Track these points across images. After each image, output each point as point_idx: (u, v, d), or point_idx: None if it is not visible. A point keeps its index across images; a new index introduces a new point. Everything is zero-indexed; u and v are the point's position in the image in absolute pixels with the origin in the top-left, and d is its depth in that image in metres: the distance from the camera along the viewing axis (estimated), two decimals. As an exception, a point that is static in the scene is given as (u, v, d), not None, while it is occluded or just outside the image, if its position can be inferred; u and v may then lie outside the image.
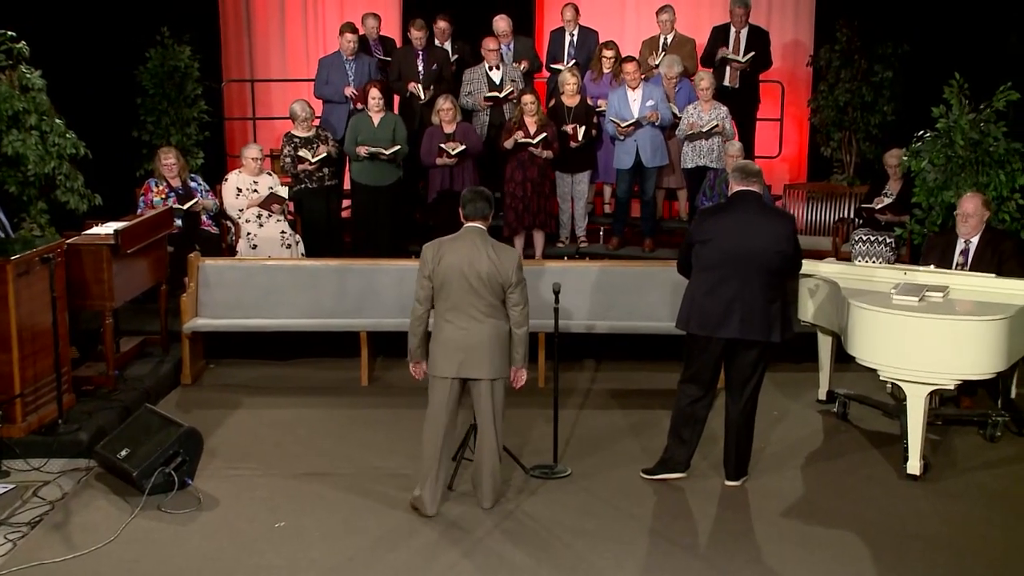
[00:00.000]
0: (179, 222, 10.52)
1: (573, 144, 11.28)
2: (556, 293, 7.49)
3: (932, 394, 8.10)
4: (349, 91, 11.85)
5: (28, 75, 9.43)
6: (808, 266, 8.38)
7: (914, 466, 7.31)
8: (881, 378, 7.42)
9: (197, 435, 7.37)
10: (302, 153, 11.12)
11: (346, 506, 6.98)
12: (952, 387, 7.38)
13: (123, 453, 7.16)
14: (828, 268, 8.37)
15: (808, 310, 8.47)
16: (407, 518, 6.78)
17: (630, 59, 11.38)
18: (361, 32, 12.34)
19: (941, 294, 7.51)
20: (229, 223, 11.09)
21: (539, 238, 11.52)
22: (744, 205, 7.06)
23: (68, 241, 8.32)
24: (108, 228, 8.62)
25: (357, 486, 7.28)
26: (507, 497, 7.08)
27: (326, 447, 7.99)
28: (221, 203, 11.05)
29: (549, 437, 7.70)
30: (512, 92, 11.62)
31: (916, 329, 7.10)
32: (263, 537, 6.56)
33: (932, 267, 8.17)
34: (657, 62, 11.98)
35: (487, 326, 6.62)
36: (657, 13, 12.22)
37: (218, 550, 6.39)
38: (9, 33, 9.40)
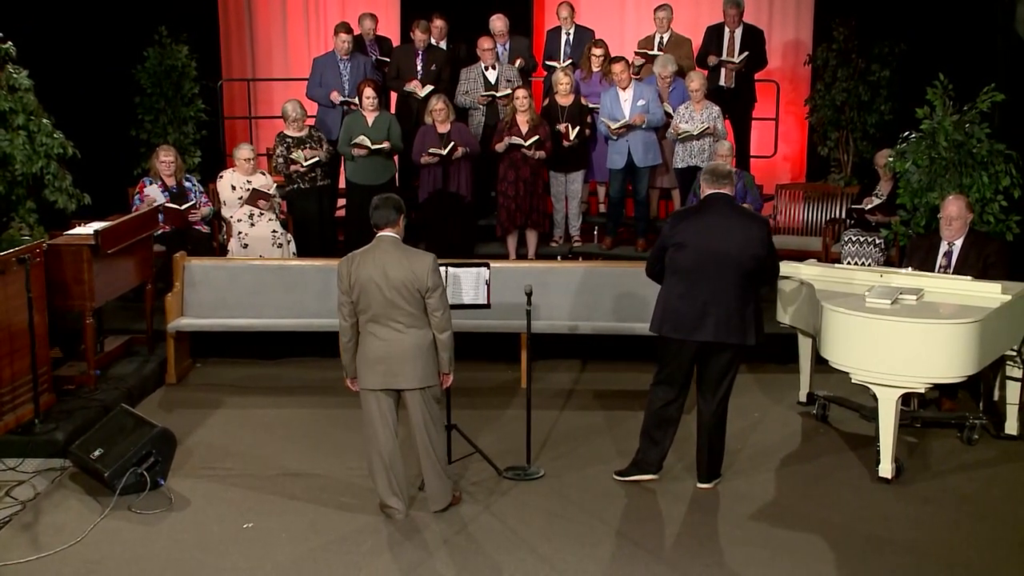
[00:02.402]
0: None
1: (566, 143, 11.26)
2: (528, 295, 7.48)
3: (911, 397, 8.15)
4: (335, 96, 11.86)
5: (15, 75, 9.47)
6: (786, 268, 8.37)
7: (886, 469, 7.29)
8: (853, 381, 7.36)
9: (170, 435, 7.43)
10: (294, 155, 11.15)
11: (316, 507, 7.02)
12: (923, 390, 7.37)
13: (96, 453, 7.22)
14: (806, 270, 8.33)
15: (786, 312, 8.45)
16: (374, 519, 6.81)
17: (619, 59, 11.35)
18: (357, 32, 12.36)
19: (915, 297, 7.47)
20: (221, 222, 11.13)
21: (532, 237, 11.52)
22: (717, 208, 7.04)
23: (48, 241, 8.38)
24: (90, 228, 8.66)
25: (329, 487, 7.32)
26: (476, 499, 7.11)
27: (303, 447, 8.04)
28: (217, 203, 11.10)
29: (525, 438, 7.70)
30: (510, 93, 11.58)
31: (886, 332, 7.07)
32: (230, 538, 6.60)
33: (910, 269, 8.13)
34: (641, 62, 11.96)
35: (408, 336, 6.55)
36: (655, 11, 12.19)
37: (183, 551, 6.43)
38: (-4, 34, 9.47)
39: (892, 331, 7.07)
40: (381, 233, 6.67)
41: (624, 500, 7.12)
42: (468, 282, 7.51)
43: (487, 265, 7.59)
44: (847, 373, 7.36)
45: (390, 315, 6.53)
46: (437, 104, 11.12)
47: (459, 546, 6.48)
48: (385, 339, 6.56)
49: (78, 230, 8.78)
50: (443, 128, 11.15)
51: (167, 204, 10.57)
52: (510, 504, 7.06)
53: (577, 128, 11.23)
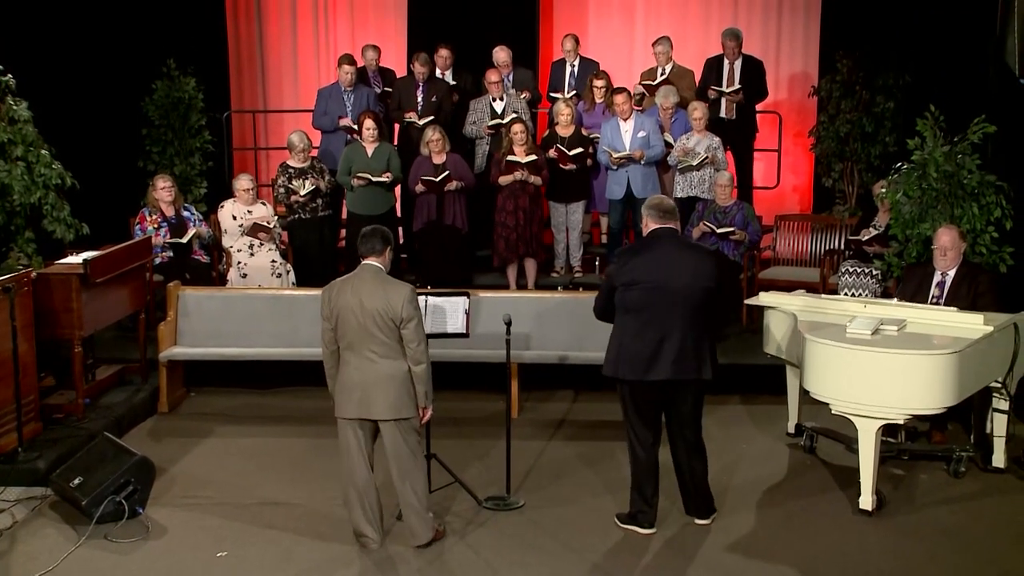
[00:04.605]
0: (170, 252, 10.72)
1: (565, 167, 11.27)
2: (507, 325, 7.46)
3: (898, 429, 8.08)
4: (344, 122, 11.93)
5: (15, 107, 9.60)
6: (772, 299, 8.36)
7: (866, 501, 7.22)
8: (833, 412, 7.30)
9: (149, 464, 7.45)
10: (294, 185, 11.21)
11: (292, 536, 7.02)
12: (903, 421, 7.30)
13: (76, 481, 7.24)
14: (791, 301, 8.29)
15: (772, 343, 8.40)
16: (348, 549, 6.80)
17: (620, 90, 11.37)
18: (360, 64, 12.45)
19: (896, 328, 7.42)
20: (220, 252, 11.18)
21: (531, 268, 11.50)
22: (665, 243, 6.91)
23: (38, 270, 8.44)
24: (80, 257, 8.71)
25: (307, 516, 7.32)
26: (454, 528, 7.08)
27: (286, 476, 8.04)
28: (218, 233, 11.17)
29: (514, 467, 7.69)
30: (511, 121, 11.62)
31: (865, 362, 7.02)
32: (202, 567, 6.62)
33: (895, 300, 8.09)
34: (641, 91, 11.99)
35: (381, 366, 6.52)
36: (653, 45, 12.25)
37: (153, 579, 6.46)
38: (-4, 67, 9.61)
39: (871, 362, 7.02)
40: (365, 262, 6.68)
41: (600, 532, 7.07)
42: (450, 312, 7.51)
43: (467, 294, 7.60)
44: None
45: (365, 344, 6.52)
46: (433, 135, 11.17)
47: (430, 576, 6.48)
48: (359, 368, 6.56)
49: (69, 259, 8.82)
50: (439, 159, 11.20)
51: (167, 240, 10.67)
52: (487, 535, 7.04)
53: (579, 150, 11.23)
